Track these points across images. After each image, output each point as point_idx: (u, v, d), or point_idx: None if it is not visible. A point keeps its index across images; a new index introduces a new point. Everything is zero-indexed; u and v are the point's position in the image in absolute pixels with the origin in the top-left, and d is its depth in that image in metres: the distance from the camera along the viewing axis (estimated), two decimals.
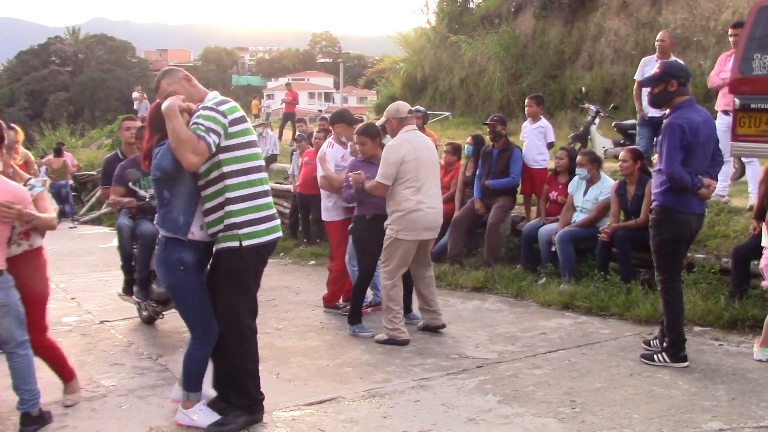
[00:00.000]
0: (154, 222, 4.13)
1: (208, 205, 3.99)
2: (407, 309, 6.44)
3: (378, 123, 6.33)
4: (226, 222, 3.94)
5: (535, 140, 8.65)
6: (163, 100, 3.94)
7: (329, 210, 6.89)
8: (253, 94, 71.28)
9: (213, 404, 4.21)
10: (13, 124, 5.16)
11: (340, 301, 6.99)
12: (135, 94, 26.44)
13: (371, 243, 6.10)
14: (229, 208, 3.94)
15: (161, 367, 5.39)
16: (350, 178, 6.09)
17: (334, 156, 6.81)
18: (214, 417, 4.11)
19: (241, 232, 3.95)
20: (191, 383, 4.15)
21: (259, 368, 4.60)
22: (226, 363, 4.17)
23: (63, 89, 61.82)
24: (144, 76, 61.39)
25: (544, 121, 8.79)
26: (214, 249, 4.11)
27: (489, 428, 4.12)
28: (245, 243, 3.97)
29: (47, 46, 68.80)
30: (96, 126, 31.51)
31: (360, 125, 6.58)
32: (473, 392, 4.71)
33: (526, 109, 8.89)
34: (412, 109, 6.23)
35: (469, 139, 9.18)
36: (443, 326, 6.17)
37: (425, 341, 5.93)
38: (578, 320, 6.46)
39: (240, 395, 4.18)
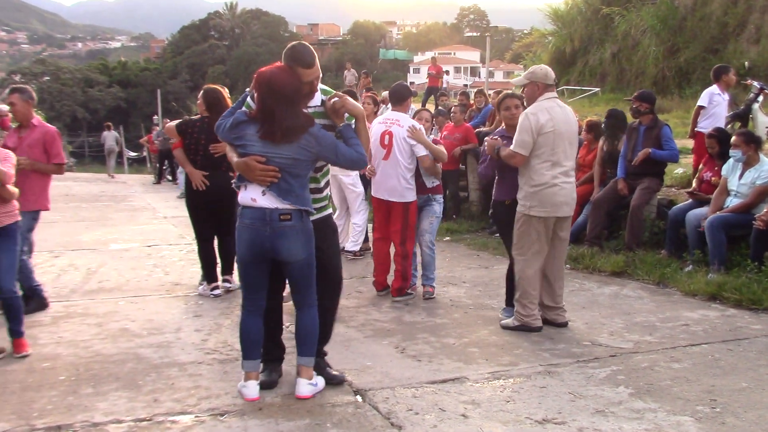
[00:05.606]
0: (278, 197, 4.01)
1: (323, 183, 4.41)
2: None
3: (515, 81, 6.07)
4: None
5: (725, 111, 8.77)
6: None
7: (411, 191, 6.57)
8: (399, 68, 71.76)
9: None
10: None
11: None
12: None
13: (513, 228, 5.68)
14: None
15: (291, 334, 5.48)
16: (486, 144, 5.74)
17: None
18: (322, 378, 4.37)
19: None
20: (314, 347, 4.27)
21: (385, 342, 4.64)
22: (330, 317, 4.55)
23: (220, 62, 65.14)
24: None
25: None
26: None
27: (618, 422, 3.90)
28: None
29: (207, 21, 72.77)
30: None
31: None
32: (603, 382, 4.48)
33: (726, 79, 8.93)
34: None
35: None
36: (566, 324, 5.72)
37: (556, 326, 5.71)
38: (726, 313, 6.02)
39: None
